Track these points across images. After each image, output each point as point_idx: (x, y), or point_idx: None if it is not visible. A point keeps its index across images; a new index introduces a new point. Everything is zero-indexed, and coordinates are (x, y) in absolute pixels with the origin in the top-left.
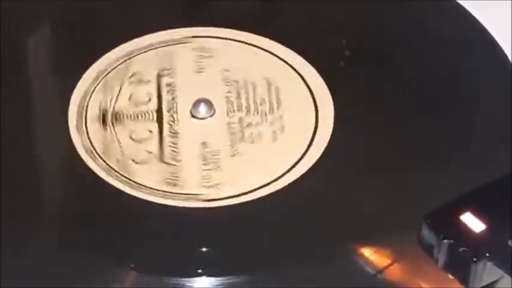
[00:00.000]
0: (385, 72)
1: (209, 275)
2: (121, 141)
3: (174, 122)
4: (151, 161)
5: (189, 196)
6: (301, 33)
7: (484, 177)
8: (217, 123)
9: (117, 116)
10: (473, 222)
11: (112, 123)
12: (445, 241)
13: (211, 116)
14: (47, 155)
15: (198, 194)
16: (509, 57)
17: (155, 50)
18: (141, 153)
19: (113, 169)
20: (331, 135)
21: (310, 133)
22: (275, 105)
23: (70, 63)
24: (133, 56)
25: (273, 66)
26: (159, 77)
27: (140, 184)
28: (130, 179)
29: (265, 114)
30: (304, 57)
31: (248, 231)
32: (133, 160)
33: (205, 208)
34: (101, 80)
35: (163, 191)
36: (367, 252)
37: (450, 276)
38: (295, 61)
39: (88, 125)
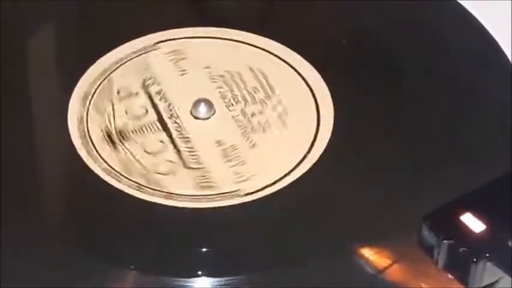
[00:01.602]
0: (385, 72)
1: (209, 275)
2: (137, 156)
3: (180, 127)
4: (176, 169)
5: (228, 194)
6: (301, 32)
7: (484, 177)
8: (222, 120)
9: (122, 134)
10: (473, 223)
11: (121, 142)
12: (445, 241)
13: (213, 114)
14: (47, 155)
15: (236, 190)
16: (509, 57)
17: (129, 62)
18: (163, 164)
19: (142, 185)
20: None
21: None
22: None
23: (70, 64)
24: (111, 72)
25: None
26: (145, 87)
27: (176, 194)
28: (163, 191)
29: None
30: (304, 57)
31: (248, 231)
32: (158, 172)
33: (206, 208)
34: (89, 103)
35: (201, 195)
36: (368, 252)
37: (450, 276)
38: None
39: (98, 149)
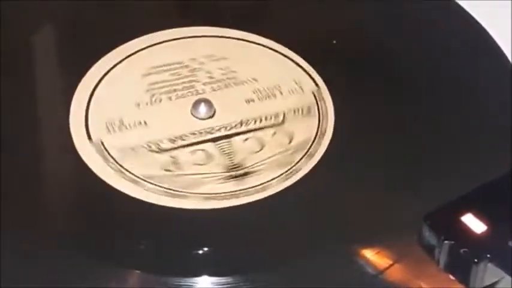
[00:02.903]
0: (385, 72)
1: (209, 275)
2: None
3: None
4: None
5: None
6: (301, 32)
7: (484, 177)
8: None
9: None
10: (474, 223)
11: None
12: (446, 242)
13: (213, 114)
14: (47, 155)
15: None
16: (509, 57)
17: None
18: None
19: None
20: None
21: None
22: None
23: (70, 64)
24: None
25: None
26: None
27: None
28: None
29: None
30: (304, 57)
31: (248, 232)
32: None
33: (205, 209)
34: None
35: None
36: (368, 252)
37: (451, 277)
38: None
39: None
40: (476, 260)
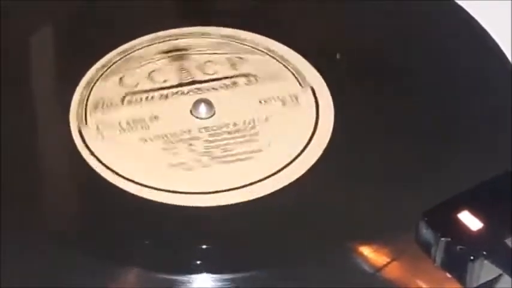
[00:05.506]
0: (385, 72)
1: (209, 273)
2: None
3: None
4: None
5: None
6: (301, 32)
7: (484, 177)
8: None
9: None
10: (470, 221)
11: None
12: (443, 239)
13: (213, 114)
14: (48, 154)
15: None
16: (509, 57)
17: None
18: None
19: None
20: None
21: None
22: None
23: (71, 64)
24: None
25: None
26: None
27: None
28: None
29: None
30: (304, 57)
31: (247, 231)
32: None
33: (204, 207)
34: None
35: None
36: (366, 251)
37: (448, 274)
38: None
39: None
40: (472, 257)
